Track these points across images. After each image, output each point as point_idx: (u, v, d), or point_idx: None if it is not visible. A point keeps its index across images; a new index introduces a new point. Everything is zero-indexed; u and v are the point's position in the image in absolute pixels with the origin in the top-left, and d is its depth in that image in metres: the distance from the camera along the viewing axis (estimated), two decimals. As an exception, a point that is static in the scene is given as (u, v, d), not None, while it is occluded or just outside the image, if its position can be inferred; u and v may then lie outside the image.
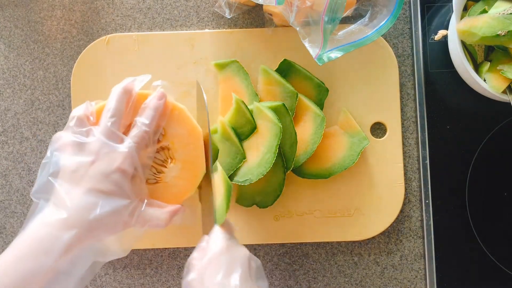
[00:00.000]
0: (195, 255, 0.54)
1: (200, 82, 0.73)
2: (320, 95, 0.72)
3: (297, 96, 0.70)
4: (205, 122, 0.63)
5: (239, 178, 0.69)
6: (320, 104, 0.72)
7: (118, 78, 0.72)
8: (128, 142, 0.53)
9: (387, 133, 0.73)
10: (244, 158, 0.69)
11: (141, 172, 0.54)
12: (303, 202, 0.72)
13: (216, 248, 0.52)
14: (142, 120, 0.55)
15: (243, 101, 0.70)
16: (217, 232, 0.55)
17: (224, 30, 0.75)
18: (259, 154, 0.69)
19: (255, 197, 0.71)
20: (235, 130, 0.70)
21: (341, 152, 0.71)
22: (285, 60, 0.72)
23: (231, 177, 0.69)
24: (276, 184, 0.70)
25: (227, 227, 0.56)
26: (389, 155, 0.73)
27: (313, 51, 0.63)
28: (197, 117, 0.71)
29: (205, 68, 0.73)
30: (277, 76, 0.71)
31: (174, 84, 0.73)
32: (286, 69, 0.72)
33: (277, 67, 0.72)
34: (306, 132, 0.70)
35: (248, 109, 0.70)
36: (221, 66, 0.73)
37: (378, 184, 0.72)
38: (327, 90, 0.72)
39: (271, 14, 0.72)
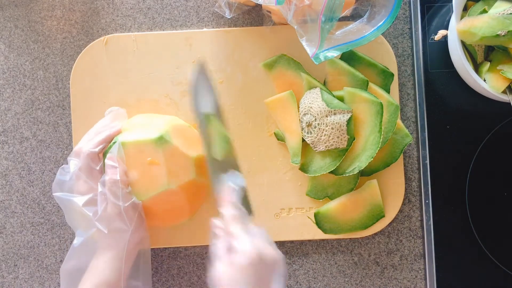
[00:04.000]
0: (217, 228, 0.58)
1: None
2: (386, 81, 0.71)
3: (367, 83, 0.69)
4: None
5: (347, 168, 0.68)
6: (387, 90, 0.71)
7: (117, 78, 0.73)
8: None
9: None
10: (354, 139, 0.67)
11: None
12: (304, 199, 0.72)
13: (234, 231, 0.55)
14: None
15: (308, 78, 0.69)
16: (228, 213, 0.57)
17: (222, 28, 0.75)
18: (362, 138, 0.67)
19: (328, 190, 0.70)
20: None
21: (384, 149, 0.70)
22: None
23: (336, 170, 0.68)
24: (351, 176, 0.69)
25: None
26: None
27: (310, 50, 0.63)
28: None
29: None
30: (345, 65, 0.70)
31: (172, 83, 0.73)
32: (348, 58, 0.71)
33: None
34: None
35: (320, 83, 0.69)
36: (270, 65, 0.72)
37: (378, 180, 0.72)
38: (392, 75, 0.71)
39: (269, 12, 0.71)
